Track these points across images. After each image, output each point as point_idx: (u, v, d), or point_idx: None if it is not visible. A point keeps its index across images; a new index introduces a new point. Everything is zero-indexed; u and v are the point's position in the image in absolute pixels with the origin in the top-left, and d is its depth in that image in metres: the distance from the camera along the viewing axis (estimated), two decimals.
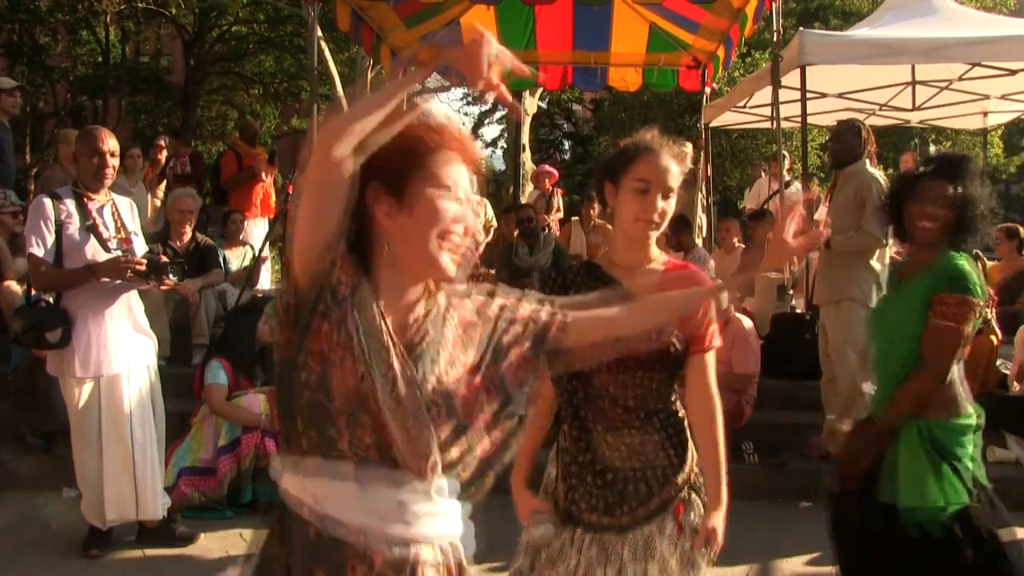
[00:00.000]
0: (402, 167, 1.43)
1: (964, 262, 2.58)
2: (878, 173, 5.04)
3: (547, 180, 9.67)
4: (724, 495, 2.04)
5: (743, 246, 7.41)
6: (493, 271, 7.19)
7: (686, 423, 2.14)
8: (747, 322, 5.33)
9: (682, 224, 6.61)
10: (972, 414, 2.61)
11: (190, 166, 8.61)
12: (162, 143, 8.77)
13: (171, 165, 8.54)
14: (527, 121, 14.25)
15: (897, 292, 2.79)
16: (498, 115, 25.41)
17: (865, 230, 4.71)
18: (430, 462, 1.42)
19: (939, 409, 2.57)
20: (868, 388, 2.84)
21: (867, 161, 4.96)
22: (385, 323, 1.42)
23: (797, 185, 8.31)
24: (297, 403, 1.40)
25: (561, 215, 9.45)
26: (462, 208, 1.45)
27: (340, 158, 1.30)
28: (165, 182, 8.32)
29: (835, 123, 5.46)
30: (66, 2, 15.80)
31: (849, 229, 4.75)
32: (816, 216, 5.48)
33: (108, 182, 3.89)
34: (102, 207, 3.87)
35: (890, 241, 4.88)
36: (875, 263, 4.85)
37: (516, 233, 7.44)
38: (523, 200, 12.30)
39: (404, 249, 1.44)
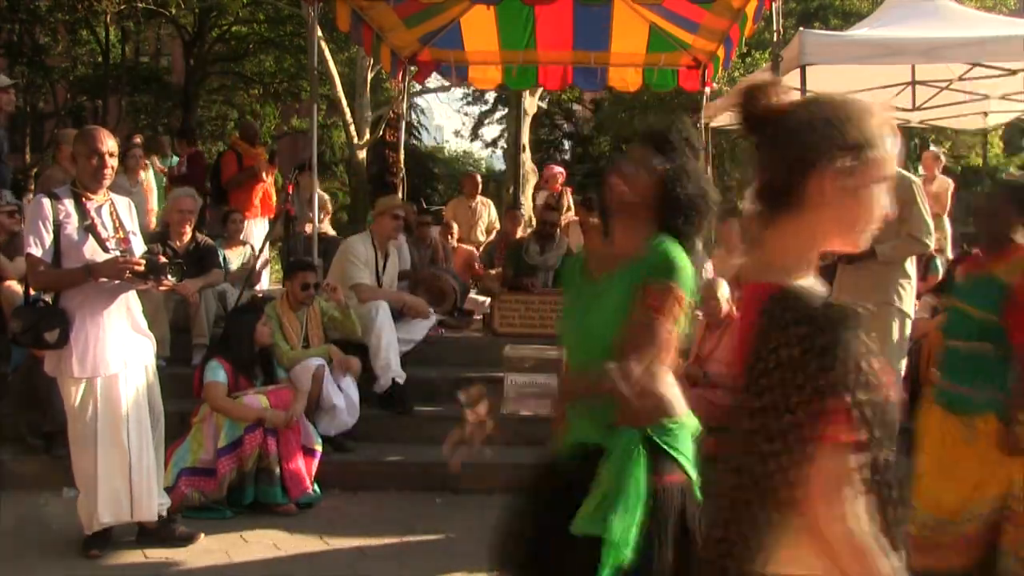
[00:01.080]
0: None
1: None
2: (907, 173, 4.84)
3: (557, 180, 9.66)
4: None
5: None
6: (499, 269, 7.19)
7: None
8: None
9: None
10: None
11: (187, 166, 8.59)
12: (137, 140, 8.71)
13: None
14: (527, 121, 14.25)
15: (590, 288, 2.18)
16: (498, 115, 25.47)
17: (913, 236, 4.50)
18: None
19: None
20: None
21: None
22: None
23: None
24: None
25: (572, 215, 9.45)
26: None
27: None
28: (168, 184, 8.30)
29: None
30: (66, 2, 15.81)
31: (891, 236, 4.43)
32: None
33: (107, 182, 3.88)
34: (100, 207, 3.86)
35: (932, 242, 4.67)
36: (909, 266, 4.67)
37: (527, 232, 7.43)
38: (523, 200, 12.31)
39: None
